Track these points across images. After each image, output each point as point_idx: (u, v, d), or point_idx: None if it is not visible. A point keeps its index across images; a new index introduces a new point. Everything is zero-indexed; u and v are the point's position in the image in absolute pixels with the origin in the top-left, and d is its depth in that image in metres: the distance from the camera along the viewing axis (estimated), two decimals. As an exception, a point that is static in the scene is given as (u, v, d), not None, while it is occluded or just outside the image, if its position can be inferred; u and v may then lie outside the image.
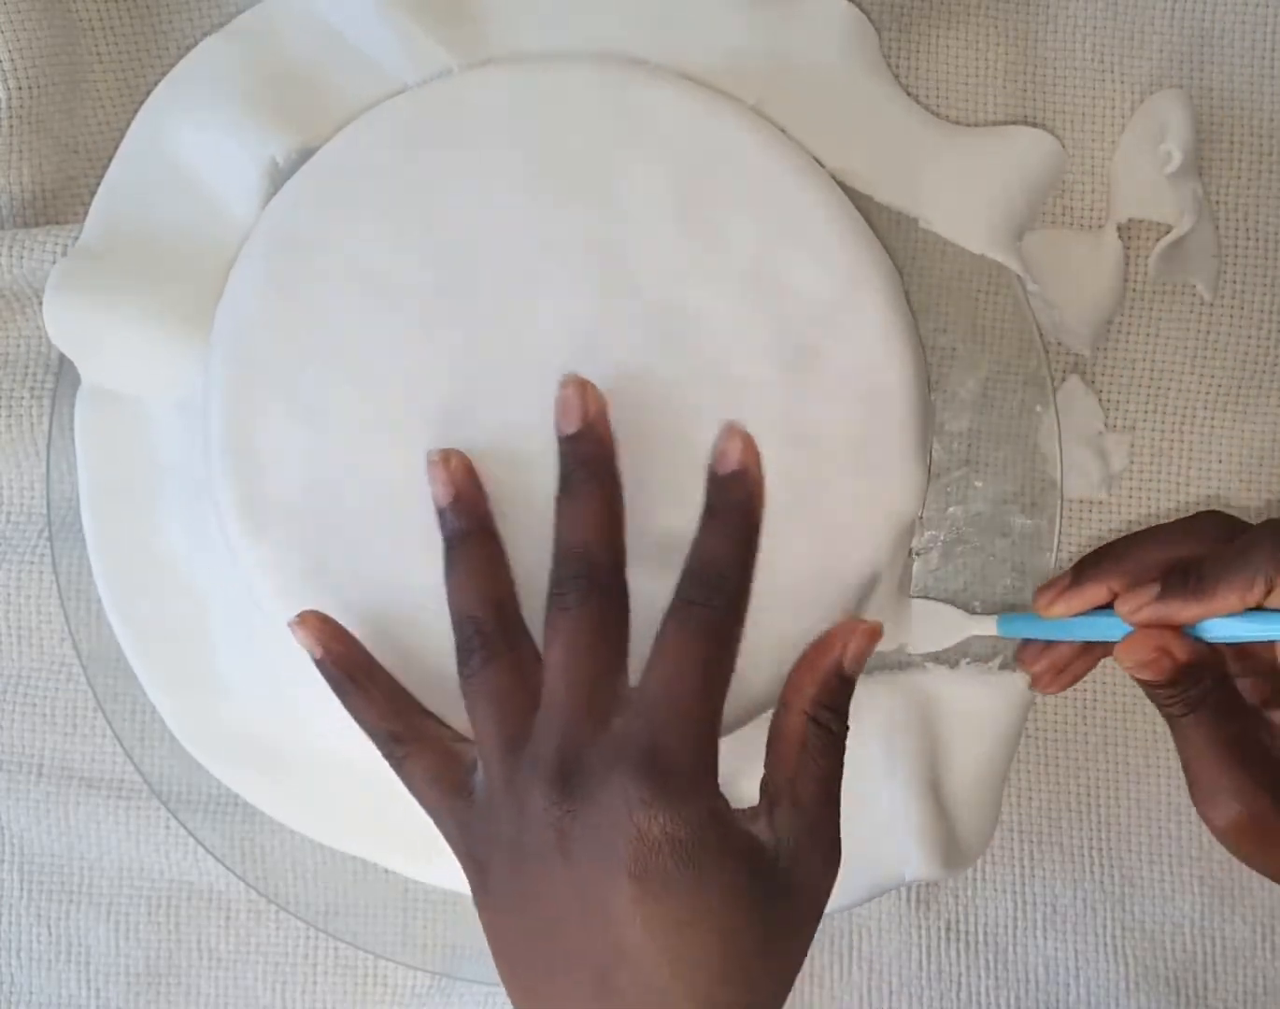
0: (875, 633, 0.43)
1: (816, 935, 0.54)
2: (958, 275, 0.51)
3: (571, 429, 0.43)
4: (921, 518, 0.50)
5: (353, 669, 0.43)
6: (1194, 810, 0.54)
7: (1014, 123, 0.53)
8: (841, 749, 0.42)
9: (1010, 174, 0.50)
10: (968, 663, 0.50)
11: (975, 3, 0.54)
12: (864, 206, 0.47)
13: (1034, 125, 0.53)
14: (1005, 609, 0.50)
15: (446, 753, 0.43)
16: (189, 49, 0.50)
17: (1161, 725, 0.55)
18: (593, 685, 0.41)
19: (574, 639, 0.41)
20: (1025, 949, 0.55)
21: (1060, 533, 0.51)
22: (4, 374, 0.54)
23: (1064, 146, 0.52)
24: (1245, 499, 0.55)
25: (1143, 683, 0.45)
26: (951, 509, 0.51)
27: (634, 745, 0.39)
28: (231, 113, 0.47)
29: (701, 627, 0.41)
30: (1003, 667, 0.50)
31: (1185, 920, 0.55)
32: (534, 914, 0.40)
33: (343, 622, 0.44)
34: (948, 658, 0.50)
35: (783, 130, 0.47)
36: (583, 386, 0.43)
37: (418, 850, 0.50)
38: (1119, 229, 0.53)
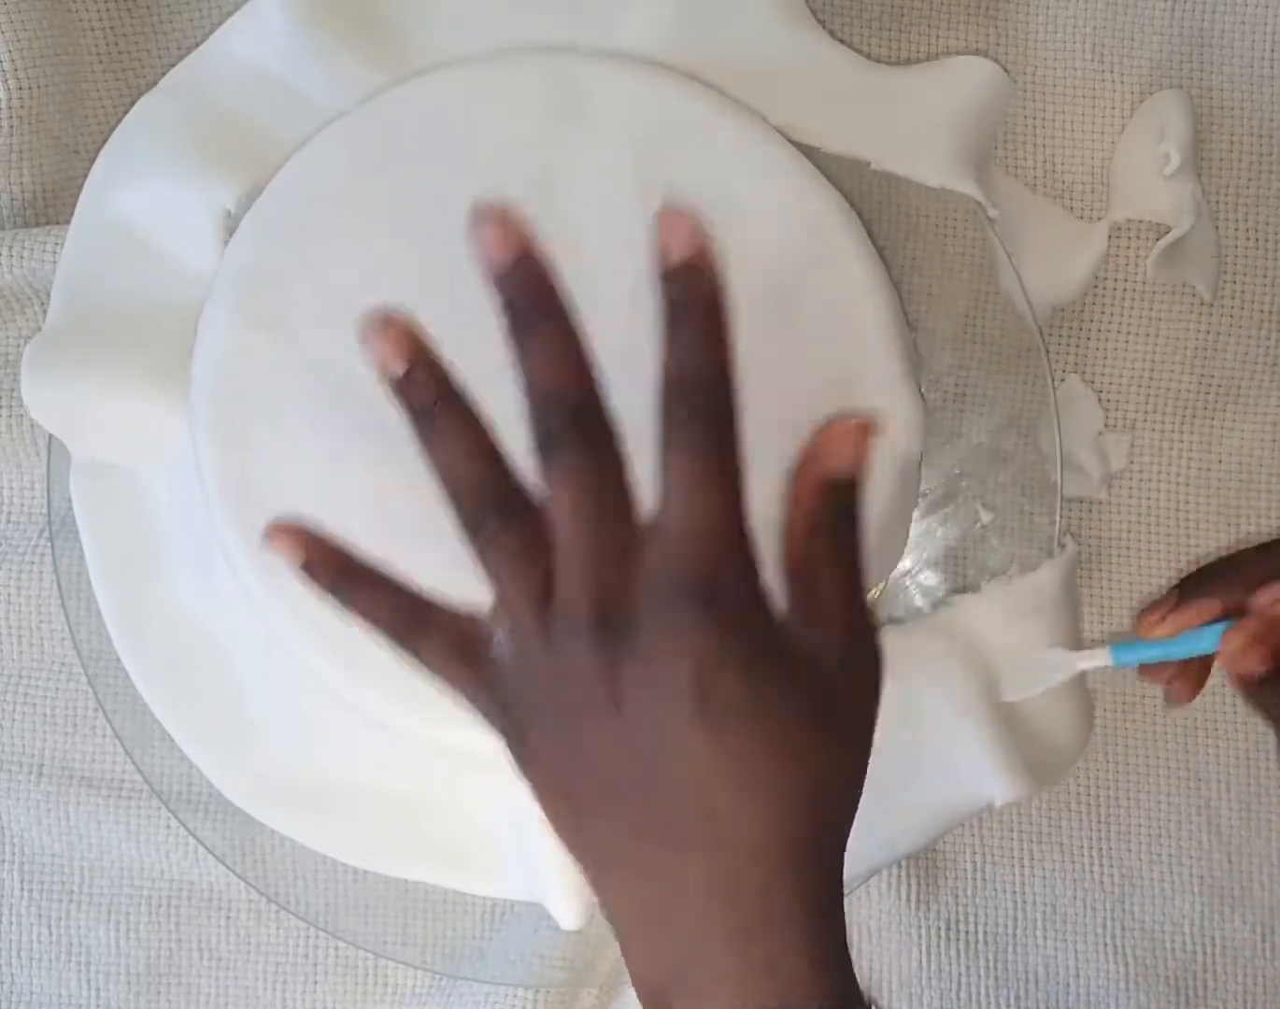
0: (865, 429, 0.40)
1: (816, 935, 0.55)
2: (920, 214, 0.50)
3: (503, 267, 0.39)
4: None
5: (343, 569, 0.42)
6: (1194, 810, 0.55)
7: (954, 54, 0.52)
8: (855, 549, 0.40)
9: (954, 104, 0.49)
10: (988, 581, 0.49)
11: (975, 4, 0.54)
12: (815, 159, 0.47)
13: (978, 55, 0.52)
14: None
15: (461, 629, 0.41)
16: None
17: (1161, 725, 0.55)
18: (609, 524, 0.38)
19: (578, 482, 0.38)
20: (1025, 949, 0.55)
21: (1060, 533, 0.51)
22: (4, 374, 0.54)
23: (1009, 75, 0.51)
24: (1245, 497, 0.55)
25: (1244, 686, 0.44)
26: (947, 446, 0.51)
27: (675, 575, 0.37)
28: (177, 169, 0.47)
29: (702, 443, 0.38)
30: (1021, 571, 0.49)
31: (1185, 920, 0.55)
32: (588, 768, 0.38)
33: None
34: (971, 585, 0.49)
35: (723, 93, 0.47)
36: (504, 217, 0.39)
37: (458, 864, 0.49)
38: (1113, 228, 0.53)
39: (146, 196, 0.48)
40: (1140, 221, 0.54)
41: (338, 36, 0.47)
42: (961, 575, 0.51)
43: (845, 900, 0.54)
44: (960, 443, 0.51)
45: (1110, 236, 0.53)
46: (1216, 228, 0.54)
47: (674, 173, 0.45)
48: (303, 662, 0.45)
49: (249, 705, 0.49)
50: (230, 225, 0.46)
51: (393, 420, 0.45)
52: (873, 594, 0.50)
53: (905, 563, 0.51)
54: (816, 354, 0.45)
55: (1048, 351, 0.50)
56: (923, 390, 0.47)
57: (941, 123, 0.49)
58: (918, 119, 0.49)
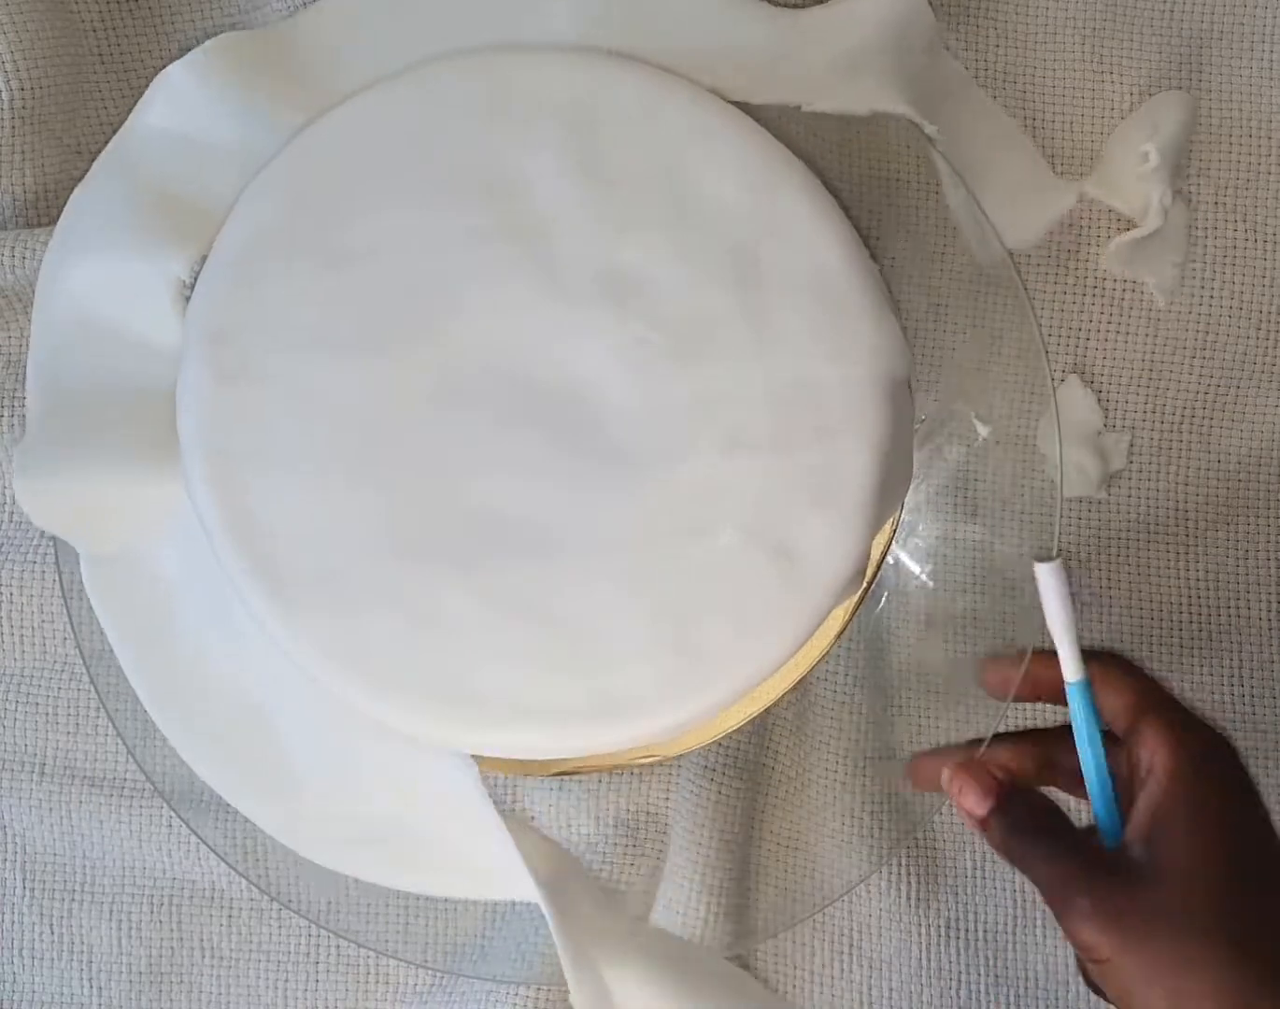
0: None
1: (817, 934, 0.55)
2: (864, 147, 0.51)
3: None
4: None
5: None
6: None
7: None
8: None
9: (870, 32, 0.49)
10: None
11: (974, 4, 0.54)
12: (752, 113, 0.47)
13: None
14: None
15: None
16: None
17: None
18: None
19: None
20: (1025, 948, 0.55)
21: (1060, 534, 0.51)
22: (6, 374, 0.54)
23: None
24: (1245, 497, 0.55)
25: (975, 828, 0.44)
26: (933, 369, 0.52)
27: None
28: (123, 250, 0.47)
29: None
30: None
31: (1184, 919, 0.55)
32: None
33: (377, 654, 0.44)
34: (983, 504, 0.51)
35: (654, 66, 0.47)
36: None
37: (499, 881, 0.50)
38: (1083, 197, 0.53)
39: (100, 283, 0.48)
40: (1108, 209, 0.54)
41: (250, 87, 0.47)
42: (973, 499, 0.52)
43: (845, 897, 0.54)
44: (945, 363, 0.52)
45: (1080, 202, 0.53)
46: (1190, 237, 0.54)
47: (618, 153, 0.45)
48: (331, 691, 0.45)
49: (296, 754, 0.49)
50: (187, 293, 0.47)
51: (381, 438, 0.45)
52: (889, 527, 0.50)
53: (919, 496, 0.51)
54: (793, 302, 0.45)
55: (1014, 260, 0.50)
56: (900, 318, 0.47)
57: (862, 52, 0.49)
58: (837, 53, 0.49)
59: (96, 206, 0.49)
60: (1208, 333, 0.55)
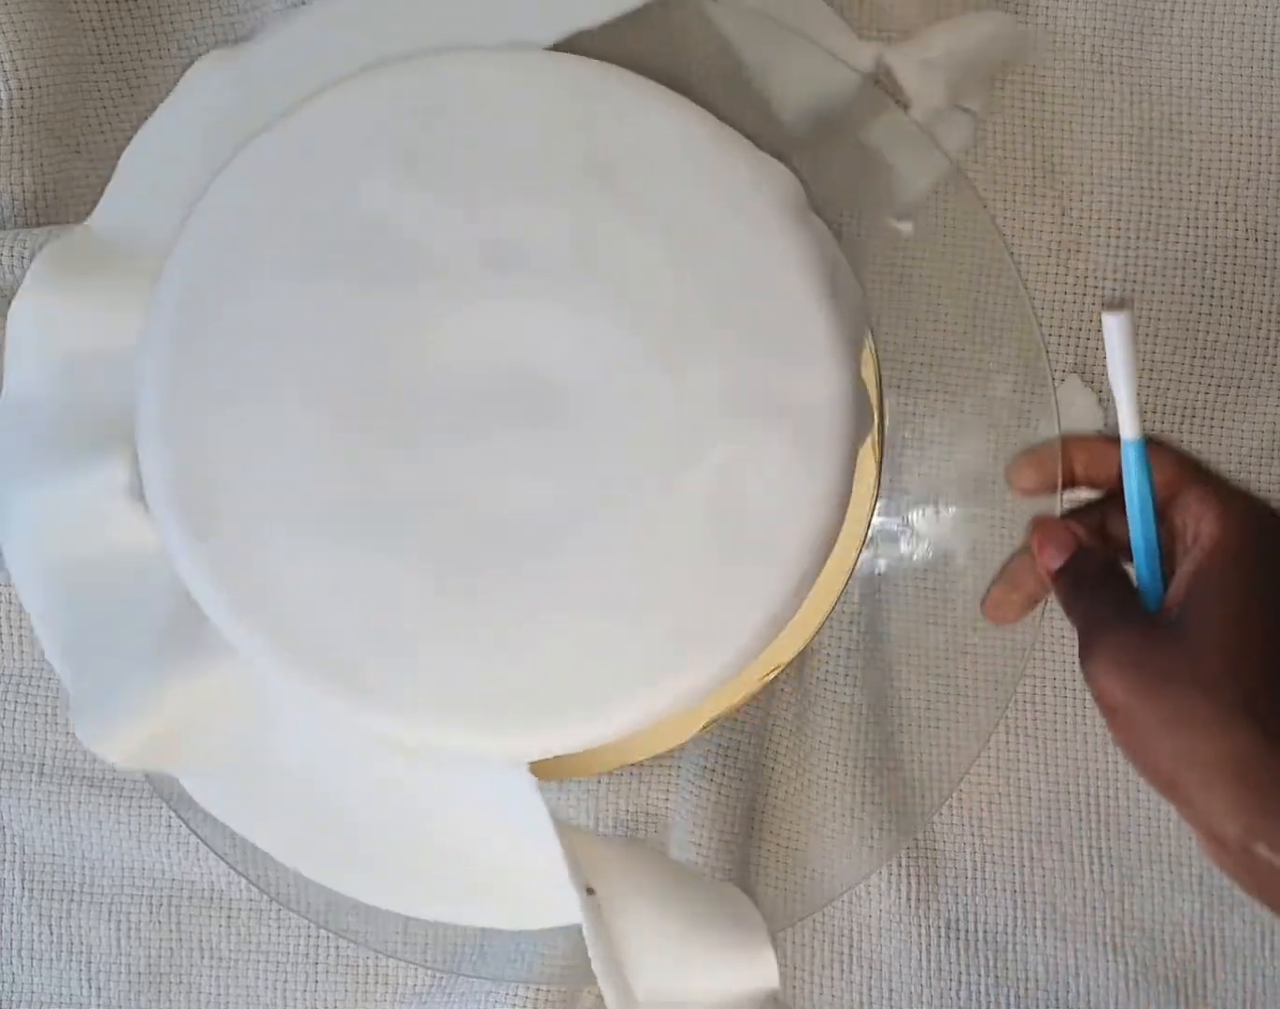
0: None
1: (817, 934, 0.55)
2: (711, 42, 0.50)
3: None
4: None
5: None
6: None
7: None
8: None
9: None
10: None
11: (974, 5, 0.54)
12: (581, 48, 0.47)
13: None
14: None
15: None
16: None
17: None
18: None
19: None
20: (1025, 948, 0.55)
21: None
22: (6, 374, 0.54)
23: None
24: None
25: (1049, 579, 0.44)
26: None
27: None
28: (60, 486, 0.48)
29: None
30: None
31: (1185, 920, 0.55)
32: None
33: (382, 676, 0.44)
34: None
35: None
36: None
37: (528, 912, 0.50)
38: (879, 62, 0.53)
39: (54, 519, 0.48)
40: (912, 70, 0.53)
41: (97, 287, 0.48)
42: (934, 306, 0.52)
43: (845, 897, 0.54)
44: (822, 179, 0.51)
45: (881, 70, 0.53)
46: (958, 176, 0.52)
47: (451, 135, 0.45)
48: (399, 745, 0.46)
49: (360, 822, 0.49)
50: (139, 491, 0.47)
51: (374, 491, 0.45)
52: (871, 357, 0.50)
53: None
54: (664, 194, 0.45)
55: (876, 78, 0.50)
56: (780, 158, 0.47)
57: None
58: None
59: (14, 452, 0.49)
60: (1208, 333, 0.55)
